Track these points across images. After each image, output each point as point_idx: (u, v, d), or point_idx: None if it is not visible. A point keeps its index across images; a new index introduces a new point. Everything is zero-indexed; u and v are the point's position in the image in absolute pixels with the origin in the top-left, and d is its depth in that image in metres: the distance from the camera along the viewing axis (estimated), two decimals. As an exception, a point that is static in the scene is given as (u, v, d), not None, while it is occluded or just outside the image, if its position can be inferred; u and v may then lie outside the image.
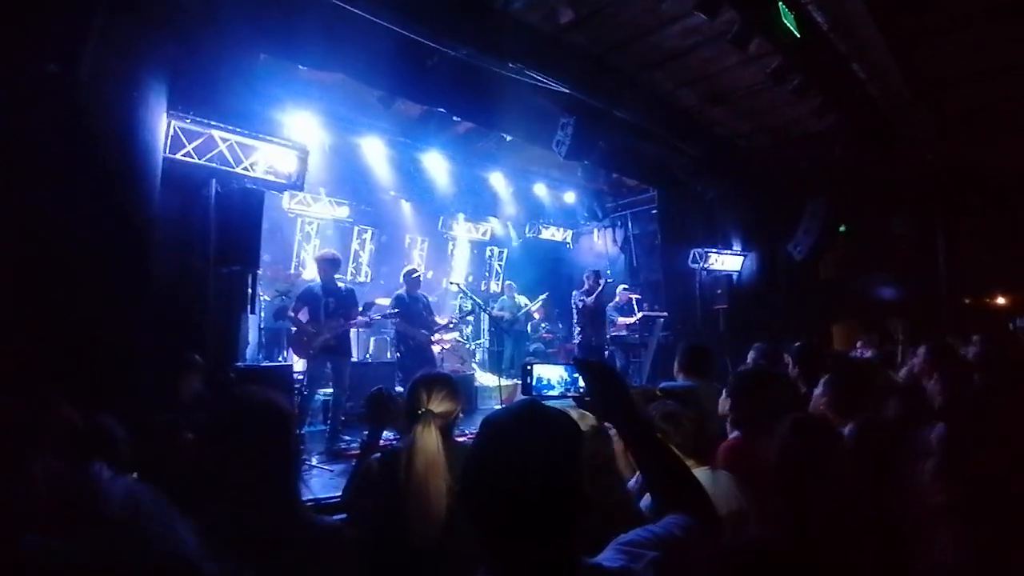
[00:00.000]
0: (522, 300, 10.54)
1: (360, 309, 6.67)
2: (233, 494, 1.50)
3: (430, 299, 7.84)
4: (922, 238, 10.99)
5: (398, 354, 7.59)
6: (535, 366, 1.50)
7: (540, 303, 10.68)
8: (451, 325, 8.65)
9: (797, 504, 1.76)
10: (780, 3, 5.54)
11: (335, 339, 6.35)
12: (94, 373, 3.49)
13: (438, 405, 2.29)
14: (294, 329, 6.55)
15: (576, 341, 9.22)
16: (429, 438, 2.17)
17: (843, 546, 1.70)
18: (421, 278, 7.77)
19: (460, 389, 2.47)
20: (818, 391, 3.00)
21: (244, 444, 1.54)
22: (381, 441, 2.88)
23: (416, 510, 2.05)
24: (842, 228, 11.00)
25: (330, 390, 6.58)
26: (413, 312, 7.27)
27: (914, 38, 6.75)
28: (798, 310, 9.58)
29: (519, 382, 8.13)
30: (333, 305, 6.39)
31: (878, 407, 3.25)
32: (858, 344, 7.78)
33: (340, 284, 6.72)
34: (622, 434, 1.39)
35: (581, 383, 1.44)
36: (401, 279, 7.56)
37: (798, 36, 5.79)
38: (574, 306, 8.88)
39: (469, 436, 2.93)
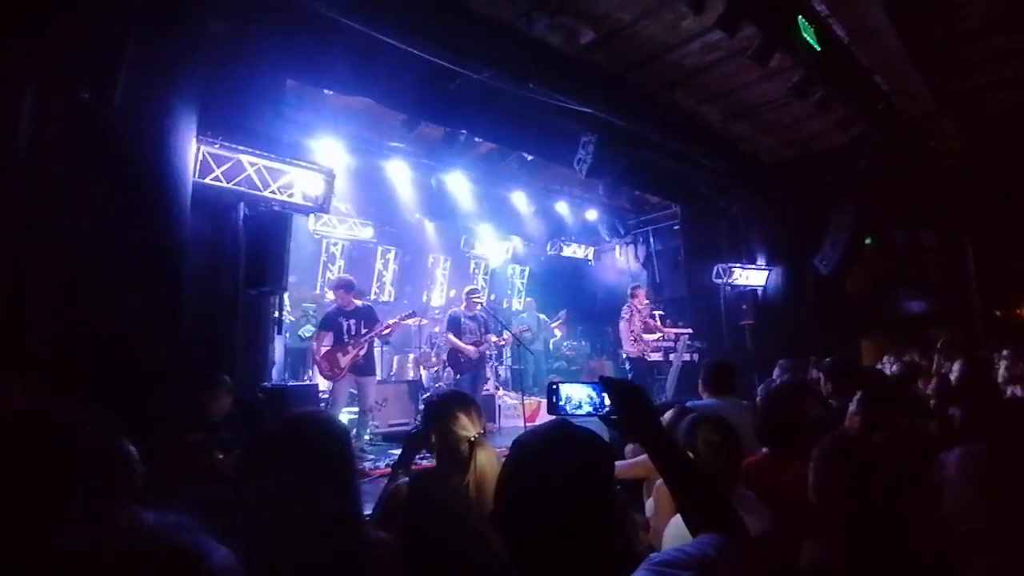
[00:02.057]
0: (542, 317, 10.55)
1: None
2: (296, 514, 1.46)
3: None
4: (951, 250, 10.81)
5: (448, 369, 7.77)
6: (561, 385, 1.48)
7: (559, 320, 10.68)
8: (503, 342, 8.70)
9: (843, 525, 1.74)
10: (800, 17, 5.53)
11: (362, 356, 6.42)
12: (126, 395, 3.55)
13: (481, 426, 2.29)
14: (321, 352, 6.56)
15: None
16: (492, 460, 2.16)
17: (890, 569, 1.67)
18: (481, 298, 8.15)
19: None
20: (852, 408, 2.94)
21: (306, 461, 1.50)
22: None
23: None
24: (868, 241, 10.86)
25: (354, 409, 6.61)
26: (467, 331, 7.58)
27: (938, 47, 6.68)
28: (826, 325, 9.43)
29: (542, 400, 8.10)
30: (355, 327, 6.44)
31: (913, 424, 3.19)
32: (884, 359, 7.65)
33: (357, 302, 6.78)
34: (649, 453, 1.38)
35: (607, 401, 1.43)
36: (462, 298, 8.01)
37: (819, 49, 5.77)
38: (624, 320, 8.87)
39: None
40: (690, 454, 2.08)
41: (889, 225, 10.95)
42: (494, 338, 8.05)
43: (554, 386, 1.46)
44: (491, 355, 9.72)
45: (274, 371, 6.95)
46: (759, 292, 10.09)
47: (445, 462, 2.27)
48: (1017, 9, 6.08)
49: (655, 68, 6.83)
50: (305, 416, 1.69)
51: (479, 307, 7.80)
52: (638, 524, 2.05)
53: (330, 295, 9.46)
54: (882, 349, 8.79)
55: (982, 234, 10.50)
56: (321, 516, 1.48)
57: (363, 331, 6.45)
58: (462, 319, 7.68)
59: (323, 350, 6.43)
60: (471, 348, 7.51)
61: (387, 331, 6.97)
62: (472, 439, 2.24)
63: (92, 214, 3.71)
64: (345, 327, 6.44)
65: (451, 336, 7.60)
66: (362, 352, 6.43)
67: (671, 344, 9.84)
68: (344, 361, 6.31)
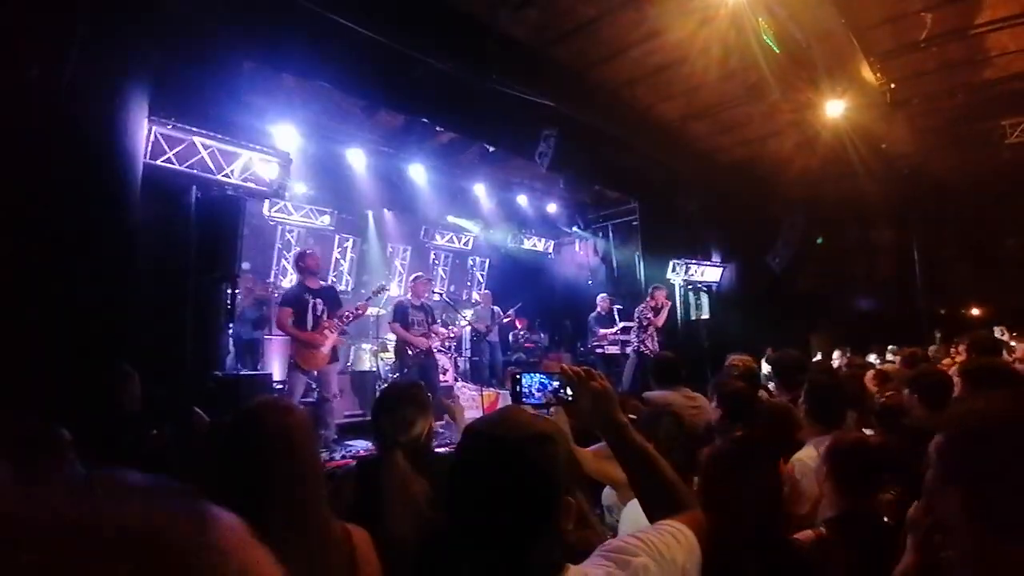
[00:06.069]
0: (496, 309, 10.53)
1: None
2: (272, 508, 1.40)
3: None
4: (900, 249, 11.18)
5: (396, 361, 7.45)
6: (524, 374, 1.49)
7: (511, 316, 10.68)
8: (453, 334, 8.48)
9: (714, 517, 1.78)
10: (760, 19, 5.63)
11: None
12: (73, 380, 3.43)
13: (404, 432, 2.24)
14: (298, 338, 5.94)
15: (635, 349, 9.00)
16: (394, 469, 2.16)
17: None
18: (429, 286, 7.64)
19: (428, 402, 2.42)
20: (802, 401, 3.01)
21: (269, 452, 1.45)
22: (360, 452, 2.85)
23: (391, 534, 2.01)
24: (820, 240, 11.17)
25: (309, 400, 6.46)
26: (415, 322, 7.05)
27: (892, 53, 6.88)
28: (778, 320, 9.67)
29: (500, 391, 8.10)
30: (322, 307, 6.10)
31: (861, 422, 3.28)
32: (835, 354, 7.88)
33: (320, 283, 6.35)
34: (608, 441, 1.39)
35: (569, 390, 1.45)
36: (407, 286, 7.46)
37: (777, 51, 5.88)
38: (638, 319, 8.86)
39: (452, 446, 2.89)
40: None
41: (841, 224, 11.29)
42: (443, 329, 7.65)
43: (517, 375, 1.47)
44: (451, 346, 9.68)
45: (227, 360, 6.77)
46: (714, 288, 10.28)
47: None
48: (966, 21, 6.30)
49: (617, 65, 6.87)
50: (266, 405, 1.60)
51: (427, 295, 7.38)
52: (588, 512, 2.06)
53: (289, 280, 9.25)
54: (831, 344, 9.08)
55: (929, 234, 10.91)
56: (285, 509, 1.42)
57: (325, 312, 6.03)
58: (409, 308, 7.06)
59: (297, 333, 5.92)
60: (420, 339, 6.96)
61: (360, 313, 6.62)
62: (386, 443, 2.23)
63: (37, 193, 3.57)
64: (311, 305, 5.97)
65: (397, 326, 6.96)
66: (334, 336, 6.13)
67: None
68: (326, 347, 5.99)
